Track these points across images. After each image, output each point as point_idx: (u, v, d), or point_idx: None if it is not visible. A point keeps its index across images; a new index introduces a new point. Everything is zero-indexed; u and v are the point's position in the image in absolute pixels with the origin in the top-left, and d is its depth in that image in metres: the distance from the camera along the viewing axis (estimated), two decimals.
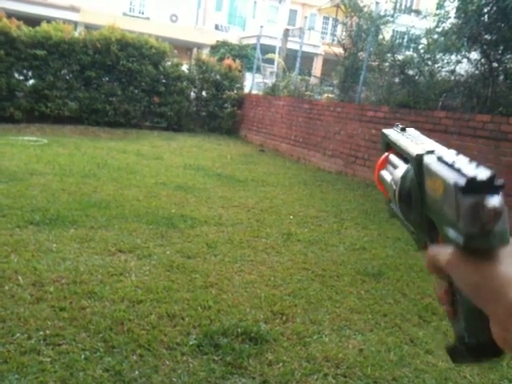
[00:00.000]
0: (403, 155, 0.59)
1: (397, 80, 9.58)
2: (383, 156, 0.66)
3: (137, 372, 2.38)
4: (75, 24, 18.94)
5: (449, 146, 0.55)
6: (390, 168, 0.63)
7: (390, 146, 0.65)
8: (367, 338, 2.94)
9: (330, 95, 12.15)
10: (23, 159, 7.10)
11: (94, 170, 6.84)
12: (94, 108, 12.07)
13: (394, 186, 0.59)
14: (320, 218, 5.70)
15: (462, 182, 0.44)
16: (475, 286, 0.44)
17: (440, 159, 0.50)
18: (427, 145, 0.56)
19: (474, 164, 0.46)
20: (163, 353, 2.55)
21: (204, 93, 13.78)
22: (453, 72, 8.46)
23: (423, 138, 0.60)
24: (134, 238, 4.24)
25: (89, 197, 5.42)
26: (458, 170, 0.46)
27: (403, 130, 0.65)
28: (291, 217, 5.60)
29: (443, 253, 0.47)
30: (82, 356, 2.44)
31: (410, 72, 9.25)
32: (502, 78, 7.71)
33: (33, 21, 12.76)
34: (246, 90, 14.42)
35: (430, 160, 0.51)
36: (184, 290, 3.31)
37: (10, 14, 11.88)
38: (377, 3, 10.32)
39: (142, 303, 3.06)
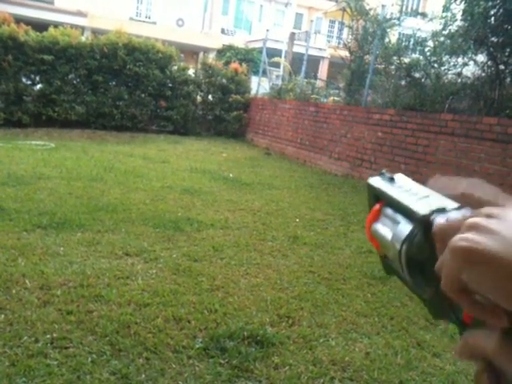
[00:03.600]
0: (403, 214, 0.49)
1: (403, 83, 9.57)
2: (375, 207, 0.55)
3: (143, 375, 2.38)
4: (82, 29, 19.02)
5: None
6: (387, 222, 0.52)
7: (380, 199, 0.54)
8: (374, 342, 2.93)
9: (336, 98, 12.16)
10: (31, 163, 7.14)
11: (101, 174, 6.87)
12: (101, 112, 12.14)
13: (398, 247, 0.47)
14: (326, 221, 5.69)
15: None
16: None
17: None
18: (430, 198, 0.47)
19: None
20: (169, 356, 2.56)
21: (210, 96, 13.82)
22: (459, 74, 8.44)
23: (419, 187, 0.51)
24: (140, 242, 4.26)
25: (96, 200, 5.44)
26: None
27: (392, 179, 0.54)
28: (297, 220, 5.60)
29: (487, 340, 0.38)
30: (89, 359, 2.45)
31: (417, 75, 9.23)
32: (508, 80, 7.68)
33: (40, 26, 12.85)
34: (253, 94, 14.44)
35: (442, 221, 0.42)
36: (190, 294, 3.31)
37: (18, 20, 11.97)
38: (383, 6, 10.31)
39: (148, 306, 3.06)
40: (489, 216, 0.38)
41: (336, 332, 3.00)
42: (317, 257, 4.38)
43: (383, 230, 0.52)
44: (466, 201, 0.45)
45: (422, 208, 0.45)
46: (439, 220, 0.43)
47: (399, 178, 0.54)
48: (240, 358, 2.59)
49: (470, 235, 0.37)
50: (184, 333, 2.79)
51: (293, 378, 2.48)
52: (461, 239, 0.37)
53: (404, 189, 0.51)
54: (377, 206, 0.54)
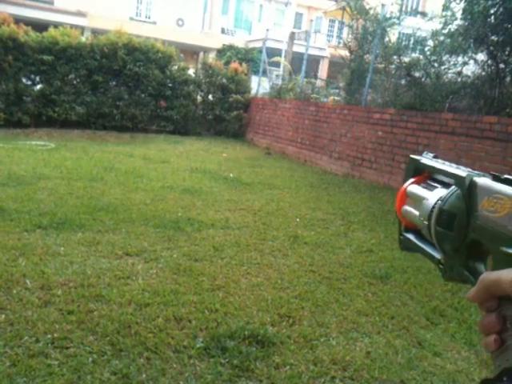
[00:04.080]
0: (442, 179, 0.59)
1: (403, 82, 9.56)
2: (402, 189, 0.65)
3: (144, 375, 2.38)
4: (82, 29, 19.04)
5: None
6: (426, 187, 0.62)
7: (419, 172, 0.65)
8: (375, 341, 2.93)
9: (336, 98, 12.14)
10: (31, 163, 7.14)
11: (101, 174, 6.87)
12: (101, 112, 12.14)
13: (432, 202, 0.57)
14: (327, 220, 5.69)
15: None
16: None
17: (498, 179, 0.49)
18: (467, 169, 0.56)
19: None
20: (170, 356, 2.56)
21: (210, 96, 13.82)
22: (459, 74, 8.44)
23: (459, 166, 0.59)
24: (141, 242, 4.26)
25: (96, 200, 5.44)
26: None
27: (435, 157, 0.64)
28: (298, 219, 5.60)
29: (505, 275, 0.44)
30: (90, 359, 2.45)
31: (417, 74, 9.23)
32: (508, 79, 7.67)
33: (40, 26, 12.86)
34: (253, 93, 14.44)
35: (485, 181, 0.51)
36: (191, 293, 3.31)
37: (18, 20, 11.98)
38: (383, 5, 10.30)
39: (149, 306, 3.06)
40: None
41: (337, 331, 3.00)
42: (317, 256, 4.38)
43: (421, 190, 0.61)
44: None
45: (463, 173, 0.54)
46: (480, 180, 0.51)
47: (440, 159, 0.64)
48: (241, 357, 2.58)
49: None
50: (185, 332, 2.79)
51: (293, 378, 2.48)
52: None
53: (447, 164, 0.60)
54: (401, 190, 0.65)
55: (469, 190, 0.52)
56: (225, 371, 2.47)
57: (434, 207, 0.56)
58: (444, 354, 2.85)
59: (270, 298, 3.35)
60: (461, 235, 0.53)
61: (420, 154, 0.66)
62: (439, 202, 0.55)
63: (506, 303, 0.45)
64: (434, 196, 0.57)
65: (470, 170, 0.55)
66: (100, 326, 2.75)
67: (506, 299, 0.45)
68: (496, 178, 0.50)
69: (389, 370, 2.62)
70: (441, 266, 0.57)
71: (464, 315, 3.36)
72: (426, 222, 0.57)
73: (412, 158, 0.66)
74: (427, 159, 0.64)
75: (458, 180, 0.54)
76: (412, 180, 0.65)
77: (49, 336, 2.61)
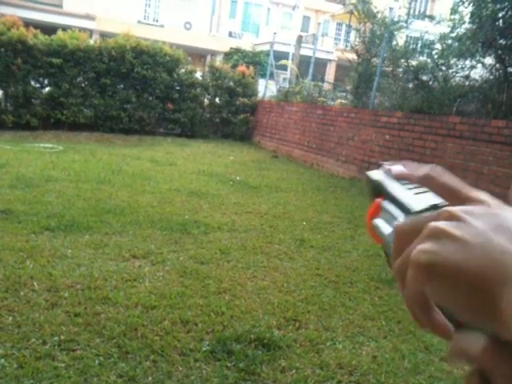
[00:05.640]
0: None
1: (410, 85, 9.54)
2: (374, 202, 0.54)
3: (150, 378, 2.39)
4: (90, 32, 19.15)
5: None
6: (387, 217, 0.51)
7: (380, 193, 0.54)
8: (381, 345, 2.92)
9: (343, 101, 12.13)
10: (39, 166, 7.18)
11: (108, 177, 6.90)
12: (109, 115, 12.19)
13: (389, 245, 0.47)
14: (333, 223, 5.68)
15: None
16: None
17: None
18: (427, 194, 0.46)
19: None
20: (176, 359, 2.56)
21: (217, 99, 13.84)
22: (467, 77, 8.41)
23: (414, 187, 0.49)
24: (147, 244, 4.27)
25: (104, 203, 5.46)
26: None
27: (391, 172, 0.53)
28: (304, 223, 5.59)
29: (474, 344, 0.36)
30: (96, 361, 2.46)
31: (424, 77, 9.20)
32: None
33: (49, 29, 12.94)
34: (260, 96, 14.46)
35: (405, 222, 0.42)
36: (197, 296, 3.32)
37: (28, 23, 12.06)
38: (390, 9, 10.31)
39: (155, 309, 3.07)
40: (452, 217, 0.35)
41: (343, 335, 3.00)
42: (324, 260, 4.37)
43: (382, 225, 0.51)
44: (429, 184, 0.44)
45: (416, 205, 0.45)
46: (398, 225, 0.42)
47: (398, 170, 0.53)
48: (247, 361, 2.59)
49: (429, 245, 0.34)
50: (191, 335, 2.80)
51: (299, 382, 2.48)
52: (420, 252, 0.34)
53: (403, 182, 0.50)
54: (377, 201, 0.53)
55: None
56: (231, 374, 2.47)
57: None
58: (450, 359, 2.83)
59: (276, 302, 3.35)
60: None
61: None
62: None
63: None
64: (391, 234, 0.47)
65: (433, 195, 0.45)
66: (107, 329, 2.76)
67: None
68: None
69: (395, 375, 2.61)
70: None
71: None
72: None
73: (369, 179, 0.55)
74: (385, 179, 0.53)
75: (409, 215, 0.45)
76: (373, 206, 0.54)
77: (56, 338, 2.62)
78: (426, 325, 0.38)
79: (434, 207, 0.43)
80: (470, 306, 0.33)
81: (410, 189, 0.48)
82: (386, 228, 0.49)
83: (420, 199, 0.45)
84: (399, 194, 0.49)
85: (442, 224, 0.34)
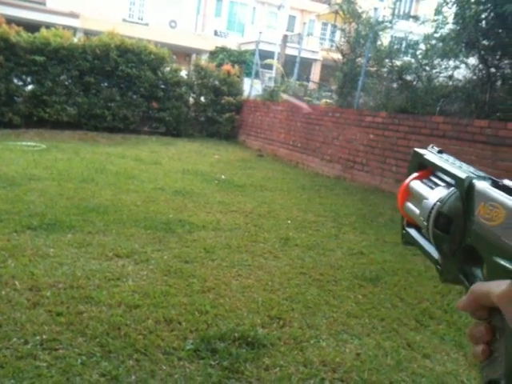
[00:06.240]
0: (444, 178, 0.57)
1: (395, 85, 9.61)
2: (404, 183, 0.62)
3: (133, 377, 2.37)
4: (74, 30, 19.00)
5: (447, 150, 0.56)
6: (428, 183, 0.59)
7: (422, 167, 0.62)
8: (364, 343, 2.93)
9: (328, 100, 12.18)
10: (21, 164, 7.10)
11: (92, 175, 6.84)
12: (93, 113, 12.10)
13: (431, 203, 0.54)
14: (318, 222, 5.70)
15: None
16: None
17: (497, 185, 0.47)
18: (470, 169, 0.53)
19: None
20: (160, 358, 2.55)
21: (203, 98, 13.81)
22: (451, 77, 8.49)
23: (462, 163, 0.56)
24: (131, 243, 4.24)
25: (87, 202, 5.42)
26: None
27: (440, 152, 0.61)
28: (289, 221, 5.60)
29: (495, 287, 0.43)
30: (79, 361, 2.44)
31: (408, 77, 9.28)
32: (499, 83, 7.73)
33: (32, 27, 12.80)
34: (245, 95, 14.46)
35: (483, 185, 0.48)
36: (181, 295, 3.31)
37: (10, 20, 11.92)
38: (375, 9, 10.37)
39: (139, 308, 3.05)
40: None
41: (327, 333, 3.01)
42: (308, 258, 4.39)
43: (422, 188, 0.59)
44: None
45: (464, 174, 0.51)
46: (480, 184, 0.48)
47: (445, 153, 0.61)
48: (231, 359, 2.58)
49: None
50: (175, 334, 2.78)
51: (283, 379, 2.48)
52: None
53: (450, 161, 0.57)
54: (406, 182, 0.62)
55: (467, 194, 0.50)
56: (215, 373, 2.47)
57: (432, 208, 0.54)
58: (433, 356, 2.86)
59: (260, 300, 3.35)
60: (457, 239, 0.51)
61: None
62: (438, 203, 0.53)
63: (496, 314, 0.44)
64: (434, 196, 0.55)
65: (473, 170, 0.52)
66: (89, 328, 2.74)
67: (496, 310, 0.44)
68: (495, 184, 0.48)
69: (378, 372, 2.63)
70: (438, 267, 0.55)
71: (453, 317, 3.37)
72: (425, 223, 0.55)
73: (416, 152, 0.63)
74: (431, 154, 0.61)
75: (457, 181, 0.52)
76: (415, 175, 0.62)
77: (37, 337, 2.59)
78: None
79: (479, 177, 0.50)
80: None
81: (455, 164, 0.56)
82: (424, 190, 0.58)
83: (465, 171, 0.52)
84: (447, 166, 0.56)
85: None
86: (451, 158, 0.58)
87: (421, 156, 0.62)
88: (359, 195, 7.58)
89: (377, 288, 3.83)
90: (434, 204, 0.54)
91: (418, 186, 0.60)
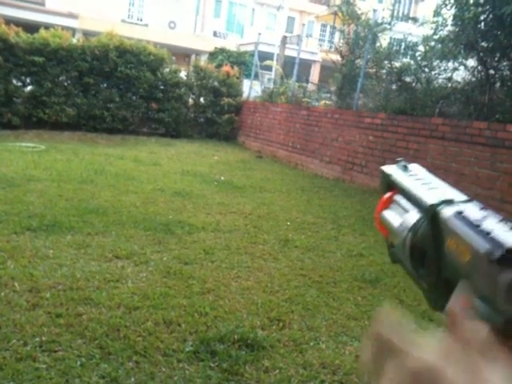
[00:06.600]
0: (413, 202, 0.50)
1: (394, 87, 9.62)
2: (386, 195, 0.56)
3: (133, 379, 2.37)
4: (73, 31, 18.99)
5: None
6: (398, 209, 0.53)
7: (393, 187, 0.55)
8: None
9: (327, 102, 12.19)
10: (21, 165, 7.10)
11: (91, 177, 6.84)
12: (92, 114, 12.08)
13: (404, 234, 0.49)
14: (317, 224, 5.70)
15: (497, 253, 0.36)
16: None
17: (462, 215, 0.41)
18: (440, 189, 0.48)
19: (504, 225, 0.38)
20: (159, 359, 2.55)
21: (202, 99, 13.80)
22: (450, 79, 8.50)
23: (431, 177, 0.51)
24: (131, 245, 4.24)
25: (86, 203, 5.41)
26: (488, 235, 0.38)
27: (405, 168, 0.55)
28: (288, 223, 5.60)
29: (479, 331, 0.37)
30: (78, 362, 2.44)
31: (407, 79, 9.29)
32: (498, 85, 7.74)
33: (31, 27, 12.79)
34: (244, 97, 14.46)
35: (448, 214, 0.42)
36: (181, 297, 3.30)
37: (9, 21, 11.91)
38: (374, 11, 10.38)
39: (138, 310, 3.05)
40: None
41: (326, 335, 3.01)
42: (308, 260, 4.39)
43: (392, 216, 0.52)
44: None
45: (430, 198, 0.46)
46: (446, 213, 0.43)
47: (413, 167, 0.55)
48: (230, 361, 2.58)
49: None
50: (174, 336, 2.78)
51: (283, 382, 2.48)
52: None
53: (416, 178, 0.52)
54: (388, 194, 0.55)
55: (433, 224, 0.44)
56: (214, 375, 2.47)
57: (405, 239, 0.48)
58: None
59: (260, 302, 3.35)
60: (434, 272, 0.45)
61: (406, 159, 0.58)
62: (410, 233, 0.48)
63: None
64: (406, 224, 0.49)
65: (445, 189, 0.47)
66: (89, 330, 2.74)
67: None
68: (467, 210, 0.42)
69: None
70: (425, 294, 0.50)
71: None
72: (402, 254, 0.50)
73: (382, 172, 0.57)
74: (398, 173, 0.55)
75: (422, 208, 0.47)
76: (385, 198, 0.55)
77: (37, 339, 2.59)
78: None
79: (447, 202, 0.44)
80: None
81: (424, 184, 0.50)
82: (395, 220, 0.51)
83: (433, 194, 0.47)
84: (413, 188, 0.50)
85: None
86: (421, 173, 0.53)
87: (388, 176, 0.56)
88: (358, 197, 7.58)
89: (376, 290, 3.83)
90: (407, 235, 0.48)
91: (388, 215, 0.54)
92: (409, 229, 0.48)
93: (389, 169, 0.56)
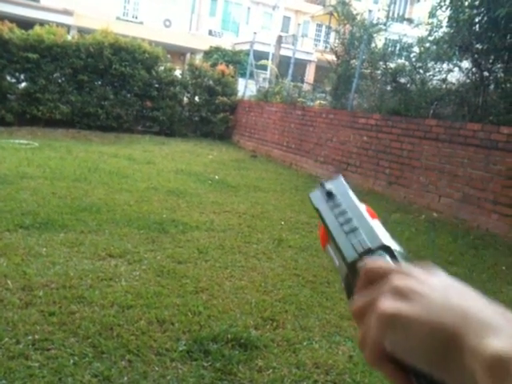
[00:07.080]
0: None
1: (389, 88, 9.65)
2: (322, 230, 0.53)
3: (125, 378, 2.37)
4: (68, 27, 18.89)
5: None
6: (331, 252, 0.52)
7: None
8: (357, 345, 2.93)
9: (322, 102, 12.21)
10: (14, 162, 7.06)
11: (85, 174, 6.81)
12: (86, 112, 12.04)
13: (342, 275, 0.49)
14: (311, 224, 5.71)
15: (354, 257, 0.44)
16: None
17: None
18: (360, 230, 0.48)
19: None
20: (152, 359, 2.54)
21: (197, 98, 13.78)
22: (444, 80, 8.54)
23: (352, 204, 0.50)
24: (124, 243, 4.23)
25: (79, 201, 5.39)
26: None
27: (330, 195, 0.52)
28: (282, 223, 5.60)
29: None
30: (71, 361, 2.43)
31: (402, 80, 9.32)
32: (492, 87, 7.78)
33: (26, 24, 12.73)
34: (239, 96, 14.45)
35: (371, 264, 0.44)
36: (174, 296, 3.30)
37: (3, 17, 11.84)
38: (370, 11, 10.40)
39: (131, 308, 3.04)
40: (412, 277, 0.39)
41: (320, 335, 3.01)
42: (301, 260, 4.39)
43: (332, 255, 0.52)
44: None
45: (350, 253, 0.47)
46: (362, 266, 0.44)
47: (338, 188, 0.52)
48: (223, 360, 2.58)
49: (394, 300, 0.38)
50: (167, 335, 2.78)
51: (276, 381, 2.48)
52: (386, 305, 0.38)
53: (339, 211, 0.50)
54: (322, 229, 0.53)
55: (353, 275, 0.46)
56: (207, 374, 2.46)
57: (343, 280, 0.49)
58: None
59: (253, 301, 3.35)
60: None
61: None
62: (344, 281, 0.49)
63: None
64: (340, 269, 0.49)
65: (368, 229, 0.48)
66: (82, 328, 2.73)
67: None
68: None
69: (371, 374, 2.63)
70: None
71: None
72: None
73: (311, 202, 0.54)
74: (320, 202, 0.52)
75: (345, 263, 0.48)
76: (322, 233, 0.53)
77: (29, 337, 2.58)
78: (377, 368, 0.40)
79: (368, 252, 0.46)
80: (429, 355, 0.35)
81: (342, 224, 0.49)
82: (335, 259, 0.51)
83: (353, 240, 0.47)
84: (335, 235, 0.50)
85: (404, 282, 0.39)
86: (344, 200, 0.51)
87: (316, 210, 0.53)
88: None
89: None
90: (343, 278, 0.49)
91: (330, 253, 0.52)
92: (342, 278, 0.49)
93: (316, 199, 0.54)
